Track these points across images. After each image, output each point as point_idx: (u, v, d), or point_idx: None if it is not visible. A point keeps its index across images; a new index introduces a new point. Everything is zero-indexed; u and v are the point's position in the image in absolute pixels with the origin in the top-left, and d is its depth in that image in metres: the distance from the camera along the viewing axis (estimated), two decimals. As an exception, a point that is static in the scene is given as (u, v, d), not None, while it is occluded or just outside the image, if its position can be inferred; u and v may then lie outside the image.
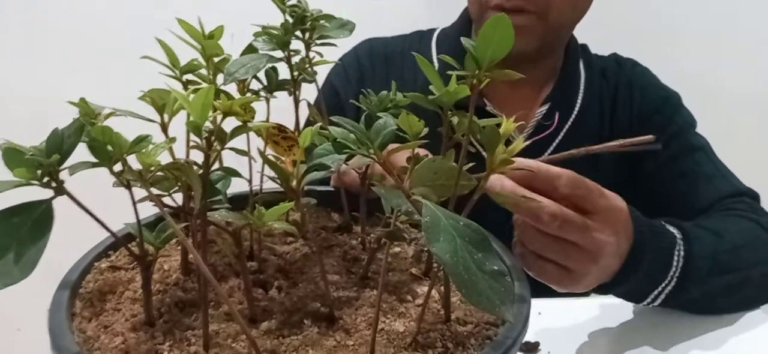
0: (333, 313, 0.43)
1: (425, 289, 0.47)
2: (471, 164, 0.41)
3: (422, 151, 0.45)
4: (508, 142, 0.39)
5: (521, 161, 0.52)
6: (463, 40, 0.35)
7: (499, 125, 0.39)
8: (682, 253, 0.66)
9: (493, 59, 0.33)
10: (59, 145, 0.32)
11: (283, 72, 0.50)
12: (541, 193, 0.56)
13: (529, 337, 0.65)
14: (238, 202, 0.48)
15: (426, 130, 0.41)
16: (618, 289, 0.65)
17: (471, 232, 0.32)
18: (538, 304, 0.72)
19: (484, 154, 0.40)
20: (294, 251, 0.52)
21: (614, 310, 0.73)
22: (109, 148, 0.34)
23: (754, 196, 0.83)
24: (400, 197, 0.36)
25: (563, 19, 0.83)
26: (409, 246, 0.52)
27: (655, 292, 0.67)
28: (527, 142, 0.39)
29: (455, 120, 0.42)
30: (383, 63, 0.91)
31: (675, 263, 0.65)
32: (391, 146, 0.37)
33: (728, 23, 1.55)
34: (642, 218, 0.63)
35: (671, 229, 0.67)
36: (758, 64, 1.57)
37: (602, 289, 0.65)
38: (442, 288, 0.43)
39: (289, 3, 0.46)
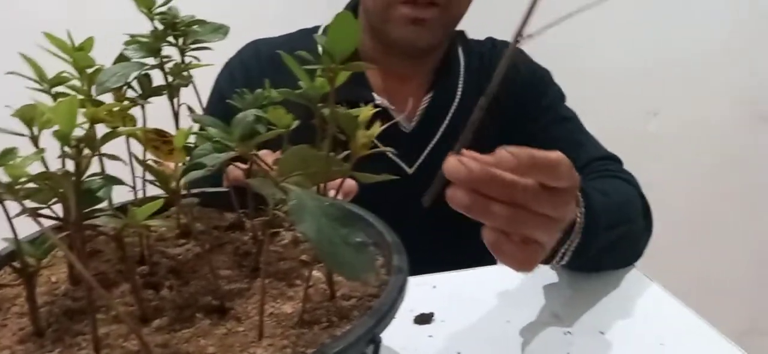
0: (224, 305, 0.45)
1: (314, 273, 0.50)
2: (346, 153, 0.44)
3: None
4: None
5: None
6: (315, 36, 0.38)
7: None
8: (582, 208, 0.69)
9: (344, 53, 0.36)
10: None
11: (160, 78, 0.52)
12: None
13: (424, 309, 0.69)
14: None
15: (297, 122, 0.44)
16: None
17: (336, 211, 0.35)
18: (432, 279, 0.78)
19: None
20: (186, 252, 0.54)
21: (499, 276, 0.78)
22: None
23: (618, 160, 0.92)
24: (273, 187, 0.38)
25: (462, 9, 0.89)
26: (288, 232, 0.55)
27: (563, 250, 0.69)
28: (385, 126, 0.42)
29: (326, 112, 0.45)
30: (270, 64, 0.93)
31: (578, 219, 0.68)
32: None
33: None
34: None
35: None
36: (624, 41, 1.71)
37: None
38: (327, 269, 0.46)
39: (158, 10, 0.48)
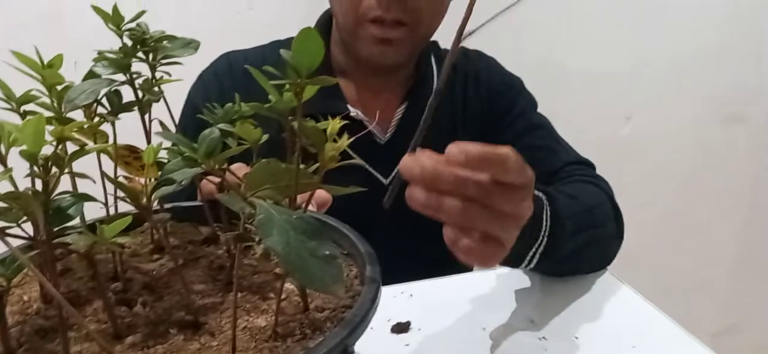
0: (197, 320, 0.45)
1: (287, 286, 0.50)
2: (316, 165, 0.45)
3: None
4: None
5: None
6: (282, 51, 0.38)
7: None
8: (548, 213, 0.69)
9: (308, 67, 0.37)
10: None
11: (130, 95, 0.52)
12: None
13: (401, 318, 0.70)
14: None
15: (266, 136, 0.44)
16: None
17: (304, 224, 0.36)
18: (409, 288, 0.78)
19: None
20: (160, 268, 0.54)
21: (475, 283, 0.79)
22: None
23: (591, 165, 0.94)
24: (241, 201, 0.39)
25: (431, 28, 0.90)
26: (259, 245, 0.55)
27: (530, 254, 0.70)
28: (353, 138, 0.42)
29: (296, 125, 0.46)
30: (243, 76, 0.93)
31: (544, 223, 0.69)
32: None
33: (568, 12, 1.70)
34: None
35: (536, 192, 0.69)
36: (597, 46, 1.73)
37: None
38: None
39: (126, 27, 0.48)
